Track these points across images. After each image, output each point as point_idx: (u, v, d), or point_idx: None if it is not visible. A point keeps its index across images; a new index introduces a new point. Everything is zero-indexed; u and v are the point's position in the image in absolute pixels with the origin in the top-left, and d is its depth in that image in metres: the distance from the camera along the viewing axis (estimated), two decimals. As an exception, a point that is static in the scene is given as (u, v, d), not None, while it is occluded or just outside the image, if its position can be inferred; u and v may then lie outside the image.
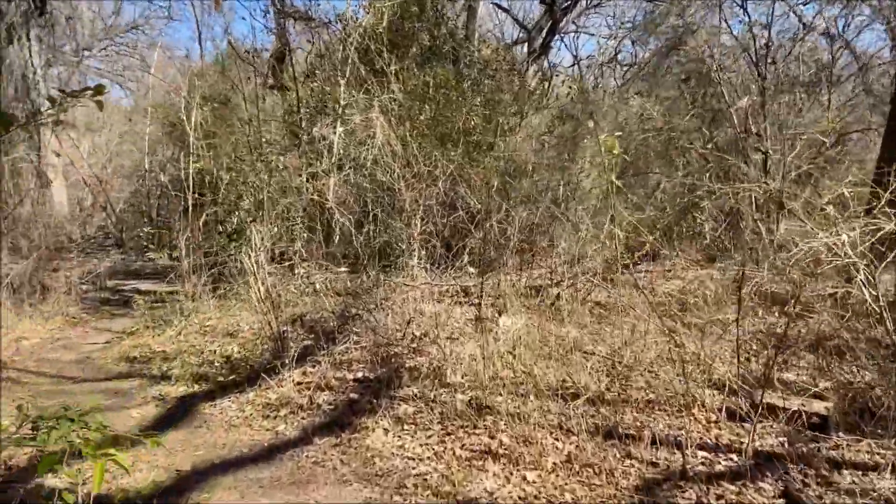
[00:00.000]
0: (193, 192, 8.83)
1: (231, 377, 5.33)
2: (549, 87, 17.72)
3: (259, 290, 5.32)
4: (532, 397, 4.62)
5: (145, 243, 14.47)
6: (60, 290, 9.39)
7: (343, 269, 7.76)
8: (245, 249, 5.53)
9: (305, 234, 8.03)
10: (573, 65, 22.99)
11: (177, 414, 4.75)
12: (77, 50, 21.76)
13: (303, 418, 4.45)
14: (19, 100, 10.35)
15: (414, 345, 5.85)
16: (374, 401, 4.65)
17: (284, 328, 5.43)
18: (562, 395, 4.78)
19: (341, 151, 8.79)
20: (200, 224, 8.83)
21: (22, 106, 10.40)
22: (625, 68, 20.34)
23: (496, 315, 7.41)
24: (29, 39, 10.24)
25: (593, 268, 8.56)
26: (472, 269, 8.35)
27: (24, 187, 10.30)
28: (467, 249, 8.82)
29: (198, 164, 10.62)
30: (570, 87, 13.02)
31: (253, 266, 5.33)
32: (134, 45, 26.18)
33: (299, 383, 4.95)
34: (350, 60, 9.49)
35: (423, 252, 8.69)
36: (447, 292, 7.90)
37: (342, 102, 9.30)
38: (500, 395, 4.71)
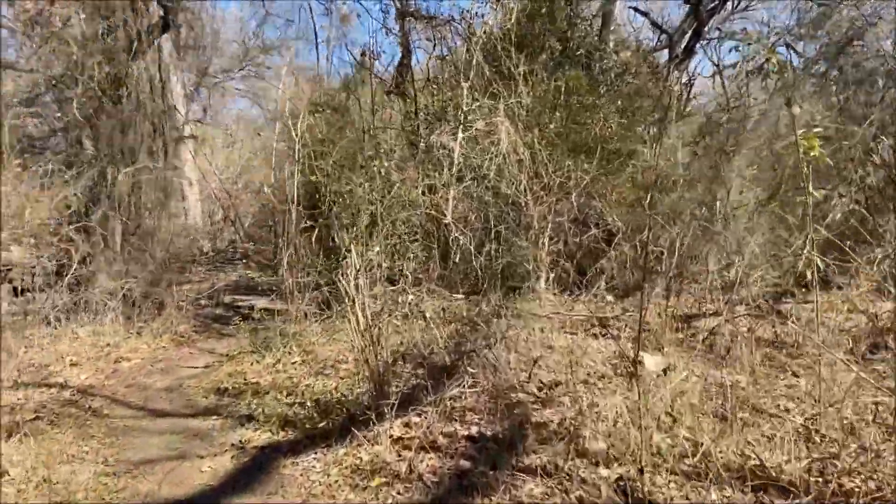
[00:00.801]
0: (299, 205, 8.29)
1: (322, 423, 4.50)
2: (688, 93, 16.13)
3: (357, 320, 4.48)
4: (710, 485, 3.40)
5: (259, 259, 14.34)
6: (174, 306, 9.16)
7: (460, 294, 6.82)
8: (344, 270, 4.72)
9: (419, 254, 7.19)
10: (714, 74, 21.02)
11: (252, 470, 3.97)
12: (213, 71, 22.71)
13: (398, 493, 3.50)
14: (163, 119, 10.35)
15: (542, 392, 4.78)
16: (491, 473, 3.62)
17: (386, 366, 4.55)
18: (742, 479, 3.54)
19: (462, 161, 7.91)
20: (311, 240, 8.27)
21: (166, 123, 10.39)
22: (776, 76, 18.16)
23: (641, 354, 6.20)
24: (160, 58, 10.27)
25: (754, 295, 7.12)
26: (609, 297, 7.14)
27: (162, 200, 10.26)
28: (604, 274, 7.64)
29: (310, 176, 10.19)
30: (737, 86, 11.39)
31: (351, 291, 4.51)
32: (269, 65, 26.99)
33: (399, 439, 4.03)
34: (475, 61, 8.62)
35: (552, 275, 7.60)
36: (581, 323, 6.75)
37: (465, 107, 8.45)
38: (661, 474, 3.54)
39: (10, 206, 7.41)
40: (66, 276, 8.60)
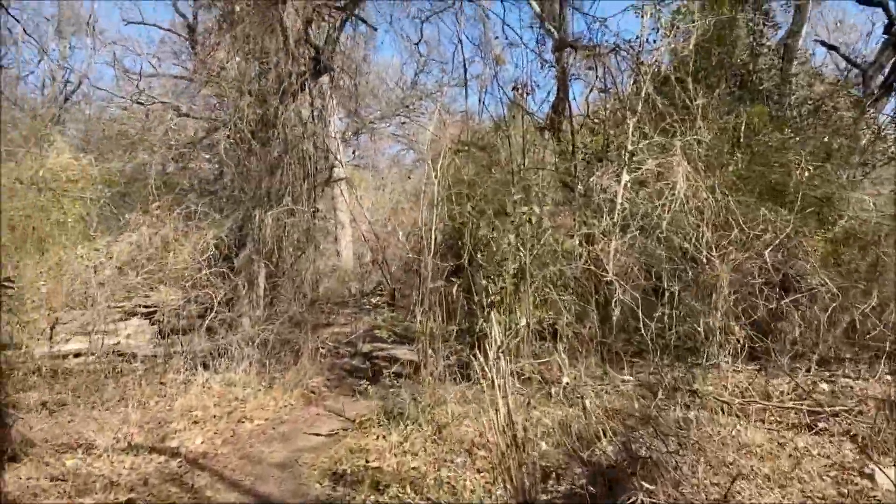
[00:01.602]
0: (436, 254, 7.53)
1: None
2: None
3: (497, 414, 3.49)
4: None
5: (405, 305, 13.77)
6: (310, 356, 8.70)
7: (625, 372, 5.59)
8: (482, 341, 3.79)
9: (573, 316, 6.09)
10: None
11: None
12: (368, 116, 23.18)
13: None
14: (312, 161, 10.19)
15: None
16: None
17: (533, 481, 3.49)
18: None
19: (627, 207, 6.76)
20: (451, 293, 7.47)
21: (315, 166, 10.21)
22: None
23: (872, 467, 4.64)
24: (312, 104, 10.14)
25: None
26: (824, 385, 5.59)
27: (305, 242, 10.02)
28: (797, 345, 6.10)
29: (452, 221, 9.46)
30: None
31: (490, 372, 3.54)
32: (423, 111, 27.22)
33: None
34: (643, 93, 7.48)
35: (741, 348, 6.16)
36: (786, 412, 5.28)
37: (630, 146, 7.32)
38: None
39: (150, 246, 7.32)
40: (207, 319, 8.44)
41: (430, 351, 6.63)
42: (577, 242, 7.00)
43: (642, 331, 6.05)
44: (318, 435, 6.00)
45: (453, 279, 15.38)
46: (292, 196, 9.11)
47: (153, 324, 9.16)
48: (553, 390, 4.89)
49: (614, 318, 6.31)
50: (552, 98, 9.05)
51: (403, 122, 26.94)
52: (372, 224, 19.39)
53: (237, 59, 8.54)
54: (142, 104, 13.75)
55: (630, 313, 6.27)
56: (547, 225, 7.53)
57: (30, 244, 7.51)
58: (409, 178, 20.34)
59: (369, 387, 6.94)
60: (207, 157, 9.83)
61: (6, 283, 3.45)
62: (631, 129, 7.40)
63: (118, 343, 8.62)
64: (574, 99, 7.77)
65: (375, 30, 10.96)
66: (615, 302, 6.04)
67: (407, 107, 26.72)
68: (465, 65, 15.98)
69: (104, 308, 6.80)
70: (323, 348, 9.84)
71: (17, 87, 17.44)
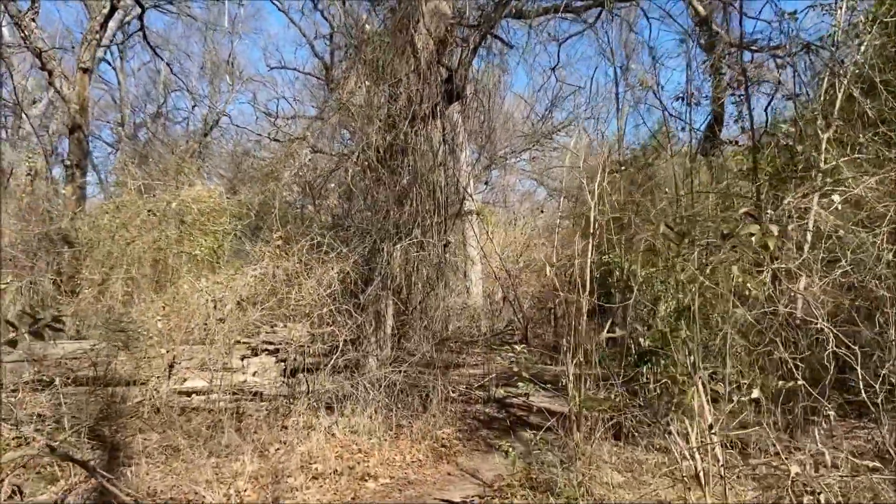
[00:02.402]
0: (592, 293, 6.49)
1: None
2: None
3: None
4: None
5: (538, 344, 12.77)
6: (440, 402, 7.90)
7: (872, 462, 4.21)
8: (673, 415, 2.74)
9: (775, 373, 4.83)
10: None
11: None
12: (501, 151, 22.57)
13: None
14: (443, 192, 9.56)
15: None
16: None
17: None
18: None
19: (831, 236, 5.41)
20: (601, 338, 6.41)
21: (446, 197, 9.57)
22: None
23: None
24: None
25: None
26: None
27: (436, 278, 9.33)
28: None
29: (604, 253, 8.39)
30: None
31: (696, 464, 2.49)
32: (556, 146, 26.32)
33: None
34: (840, 100, 6.13)
35: None
36: None
37: (823, 164, 5.98)
38: None
39: (273, 280, 6.87)
40: (332, 359, 7.90)
41: (582, 412, 5.57)
42: (765, 280, 5.70)
43: (860, 387, 4.66)
44: (449, 502, 5.11)
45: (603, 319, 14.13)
46: (422, 228, 8.48)
47: (279, 361, 8.79)
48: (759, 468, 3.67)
49: (828, 377, 4.95)
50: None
51: (534, 157, 26.16)
52: (503, 260, 18.59)
53: (366, 83, 8.11)
54: (278, 141, 13.95)
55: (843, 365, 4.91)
56: (719, 258, 6.30)
57: (160, 277, 7.35)
58: (542, 211, 19.45)
59: (510, 448, 5.96)
60: (335, 187, 9.45)
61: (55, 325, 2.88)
62: (824, 143, 6.06)
63: (244, 381, 8.29)
64: (749, 111, 6.46)
65: (511, 47, 10.13)
66: (828, 357, 4.70)
67: (538, 141, 25.95)
68: (616, 81, 14.89)
69: (223, 344, 6.36)
70: (454, 392, 9.04)
71: (165, 127, 18.58)
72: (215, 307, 6.35)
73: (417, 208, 8.35)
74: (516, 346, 17.07)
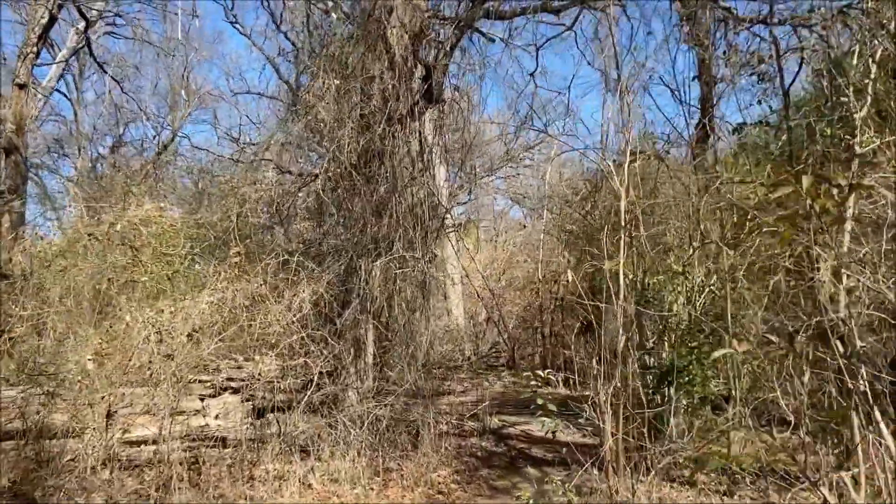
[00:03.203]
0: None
1: None
2: None
3: None
4: None
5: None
6: (431, 439, 6.93)
7: None
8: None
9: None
10: None
11: None
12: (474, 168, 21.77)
13: None
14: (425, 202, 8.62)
15: None
16: None
17: None
18: None
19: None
20: (618, 351, 5.53)
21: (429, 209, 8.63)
22: None
23: None
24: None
25: None
26: None
27: (423, 298, 8.34)
28: None
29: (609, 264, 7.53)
30: None
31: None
32: (529, 163, 25.58)
33: None
34: (874, 73, 5.38)
35: None
36: None
37: (860, 147, 5.21)
38: None
39: (233, 307, 5.87)
40: (307, 394, 6.89)
41: (621, 456, 4.61)
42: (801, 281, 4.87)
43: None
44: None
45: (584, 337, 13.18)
46: (403, 242, 7.55)
47: (245, 401, 7.72)
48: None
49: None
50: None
51: (509, 176, 25.47)
52: (486, 279, 17.71)
53: (335, 81, 7.21)
54: (241, 162, 12.96)
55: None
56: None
57: (104, 309, 6.30)
58: (524, 227, 18.68)
59: (521, 492, 5.00)
60: (304, 205, 8.49)
61: None
62: (859, 122, 5.30)
63: (205, 425, 7.22)
64: (784, 86, 5.65)
65: (493, 41, 9.36)
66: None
67: (512, 158, 25.27)
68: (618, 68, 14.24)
69: (171, 385, 5.32)
70: (445, 424, 8.06)
71: (126, 158, 17.44)
72: (160, 341, 5.31)
73: (398, 220, 7.43)
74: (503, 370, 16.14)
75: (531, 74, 12.71)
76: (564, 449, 7.38)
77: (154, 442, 6.14)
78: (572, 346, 13.83)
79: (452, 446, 7.21)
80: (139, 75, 19.58)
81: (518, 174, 25.16)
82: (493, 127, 23.93)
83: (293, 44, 17.57)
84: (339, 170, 7.27)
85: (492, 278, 18.02)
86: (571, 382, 13.19)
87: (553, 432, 5.76)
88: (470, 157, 15.98)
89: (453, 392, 11.88)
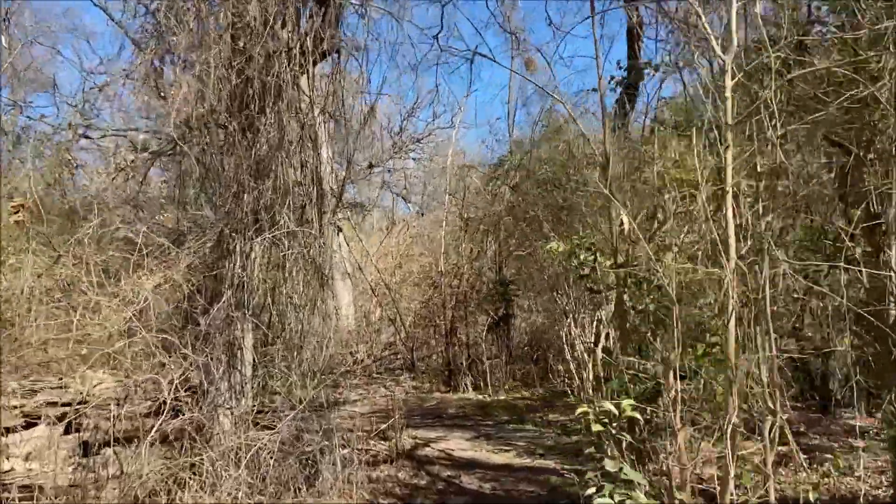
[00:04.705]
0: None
1: None
2: None
3: None
4: None
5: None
6: (334, 472, 5.21)
7: None
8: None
9: None
10: None
11: None
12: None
13: None
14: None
15: None
16: None
17: None
18: None
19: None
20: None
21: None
22: None
23: None
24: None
25: None
26: None
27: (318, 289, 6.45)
28: None
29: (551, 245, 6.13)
30: None
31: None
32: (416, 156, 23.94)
33: None
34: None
35: None
36: None
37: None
38: None
39: (41, 300, 3.85)
40: (159, 421, 4.93)
41: None
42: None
43: None
44: None
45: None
46: (292, 214, 5.74)
47: (73, 432, 5.58)
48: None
49: None
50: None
51: (396, 170, 23.82)
52: (381, 273, 16.02)
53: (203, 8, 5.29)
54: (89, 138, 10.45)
55: None
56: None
57: None
58: (422, 214, 17.13)
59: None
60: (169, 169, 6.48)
61: None
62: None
63: (9, 470, 5.10)
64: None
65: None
66: None
67: (398, 151, 23.64)
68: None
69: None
70: (345, 446, 6.33)
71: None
72: None
73: (286, 186, 5.63)
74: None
75: (435, 37, 11.11)
76: (503, 476, 5.92)
77: None
78: (483, 345, 12.54)
79: (361, 480, 5.52)
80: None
81: (411, 166, 23.54)
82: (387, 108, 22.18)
83: (155, 17, 14.94)
84: (210, 116, 5.36)
85: (386, 272, 16.33)
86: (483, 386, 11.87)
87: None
88: (363, 135, 14.18)
89: (347, 401, 10.10)
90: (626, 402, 3.10)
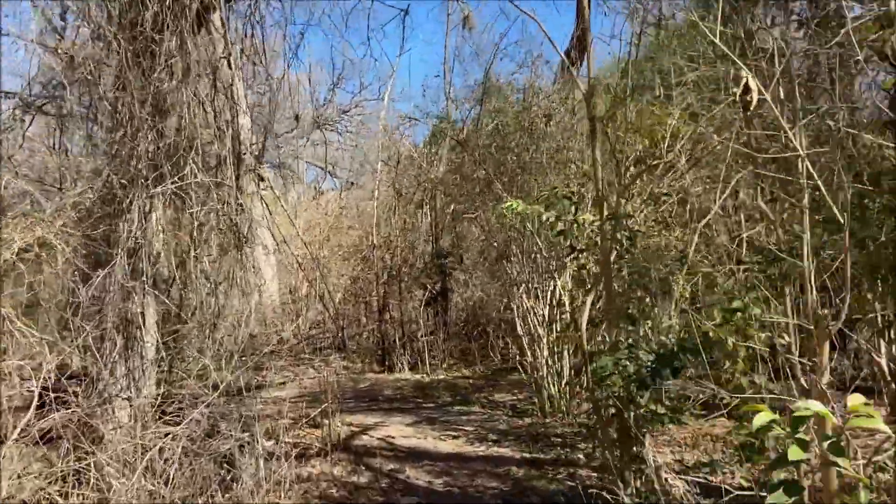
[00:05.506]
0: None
1: None
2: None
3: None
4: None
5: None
6: (257, 476, 4.32)
7: None
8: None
9: None
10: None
11: None
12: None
13: None
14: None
15: None
16: None
17: None
18: None
19: None
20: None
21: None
22: None
23: None
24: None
25: None
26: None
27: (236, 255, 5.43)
28: None
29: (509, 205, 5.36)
30: None
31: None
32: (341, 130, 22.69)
33: None
34: None
35: None
36: None
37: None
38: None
39: None
40: (28, 416, 3.88)
41: None
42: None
43: None
44: None
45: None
46: (201, 163, 4.73)
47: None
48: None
49: None
50: None
51: (322, 143, 22.53)
52: (308, 247, 14.94)
53: None
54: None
55: None
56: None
57: None
58: (353, 184, 16.09)
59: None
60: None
61: None
62: None
63: None
64: None
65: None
66: None
67: (324, 123, 22.39)
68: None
69: None
70: (270, 438, 5.43)
71: None
72: None
73: (192, 126, 4.60)
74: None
75: None
76: (455, 469, 5.17)
77: None
78: (420, 321, 11.75)
79: (291, 480, 4.64)
80: None
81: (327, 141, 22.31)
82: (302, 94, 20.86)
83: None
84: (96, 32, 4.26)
85: (313, 245, 15.24)
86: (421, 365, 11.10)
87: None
88: (283, 87, 12.98)
89: (272, 385, 9.14)
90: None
